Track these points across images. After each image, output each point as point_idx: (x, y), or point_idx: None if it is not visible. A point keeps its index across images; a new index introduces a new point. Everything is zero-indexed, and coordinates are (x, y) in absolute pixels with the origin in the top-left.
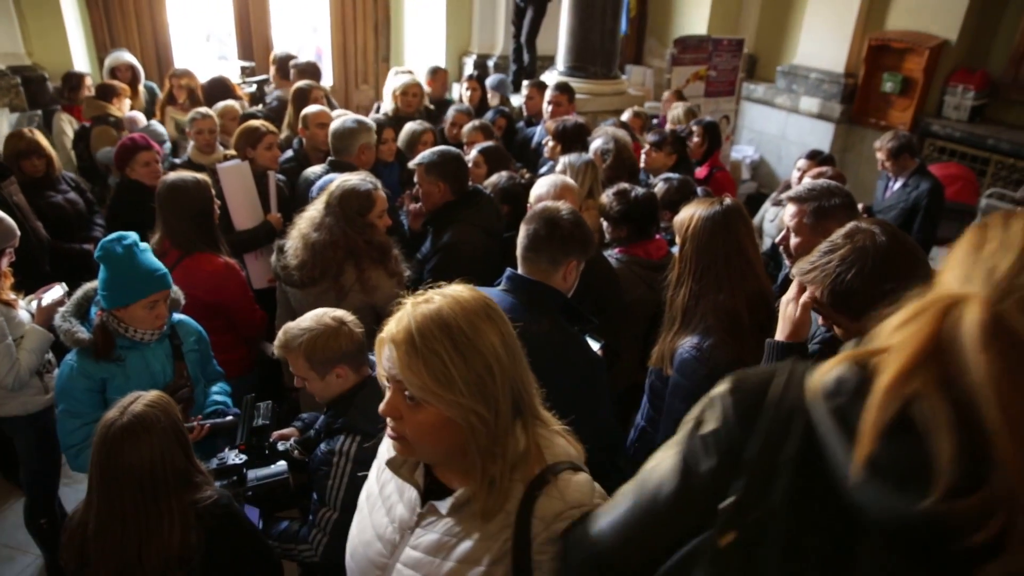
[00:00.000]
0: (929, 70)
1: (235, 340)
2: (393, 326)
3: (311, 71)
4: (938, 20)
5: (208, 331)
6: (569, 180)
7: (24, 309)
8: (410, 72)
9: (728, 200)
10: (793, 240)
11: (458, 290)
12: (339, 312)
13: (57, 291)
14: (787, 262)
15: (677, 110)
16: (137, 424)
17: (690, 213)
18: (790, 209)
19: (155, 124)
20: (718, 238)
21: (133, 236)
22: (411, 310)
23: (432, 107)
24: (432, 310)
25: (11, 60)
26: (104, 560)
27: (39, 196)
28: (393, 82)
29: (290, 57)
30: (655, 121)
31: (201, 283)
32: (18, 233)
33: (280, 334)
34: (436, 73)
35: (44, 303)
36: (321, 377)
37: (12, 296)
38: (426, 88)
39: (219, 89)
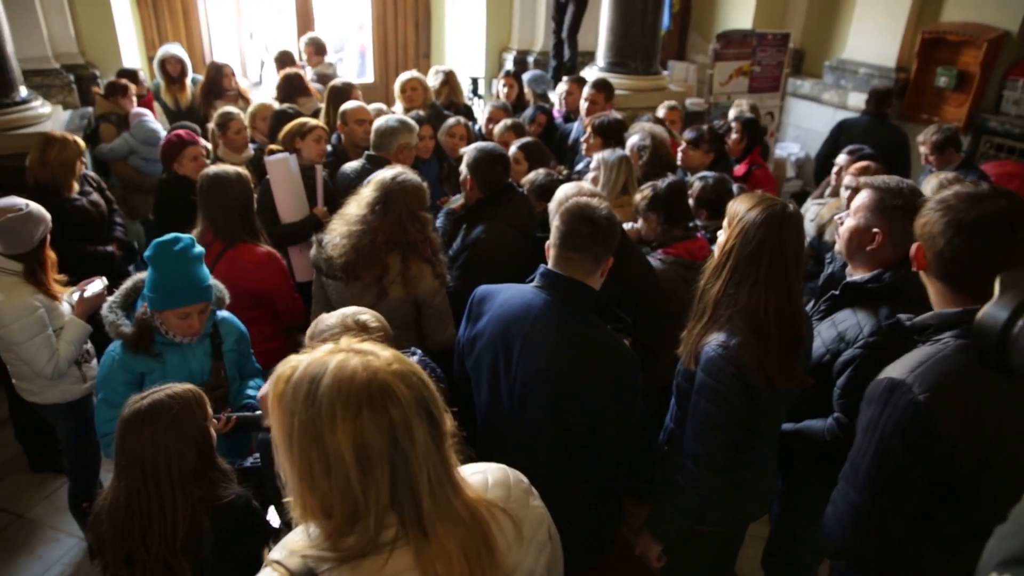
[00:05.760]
0: (987, 63)
1: (276, 330)
2: (293, 359)
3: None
4: (998, 11)
5: (250, 320)
6: (587, 186)
7: (65, 301)
8: (450, 70)
9: (791, 207)
10: (877, 241)
11: (374, 362)
12: (366, 315)
13: (98, 284)
14: (842, 255)
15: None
16: (147, 412)
17: (747, 207)
18: (870, 203)
19: (150, 122)
20: (767, 246)
21: (187, 240)
22: (311, 357)
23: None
24: (317, 371)
25: (65, 59)
26: (113, 540)
27: (61, 200)
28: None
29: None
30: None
31: (246, 273)
32: (48, 216)
33: (313, 324)
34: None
35: (87, 295)
36: None
37: (58, 288)
38: None
39: (293, 85)
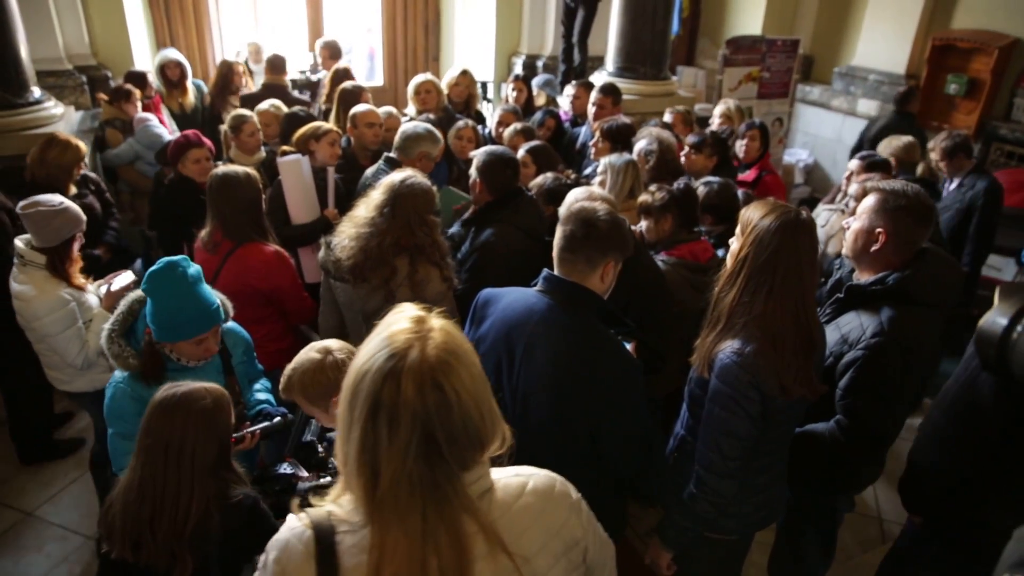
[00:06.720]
0: (998, 71)
1: (284, 329)
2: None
3: (279, 64)
4: (1009, 18)
5: (259, 320)
6: (597, 190)
7: (92, 294)
8: (465, 71)
9: (804, 214)
10: (880, 241)
11: (412, 354)
12: (327, 342)
13: (126, 277)
14: (848, 257)
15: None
16: (182, 398)
17: (760, 214)
18: (875, 204)
19: (154, 127)
20: (782, 254)
21: (183, 265)
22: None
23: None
24: (384, 330)
25: (78, 60)
26: (123, 522)
27: None
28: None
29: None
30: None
31: (255, 271)
32: (84, 218)
33: (282, 378)
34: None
35: (113, 288)
36: (324, 410)
37: (82, 280)
38: None
39: (342, 79)
